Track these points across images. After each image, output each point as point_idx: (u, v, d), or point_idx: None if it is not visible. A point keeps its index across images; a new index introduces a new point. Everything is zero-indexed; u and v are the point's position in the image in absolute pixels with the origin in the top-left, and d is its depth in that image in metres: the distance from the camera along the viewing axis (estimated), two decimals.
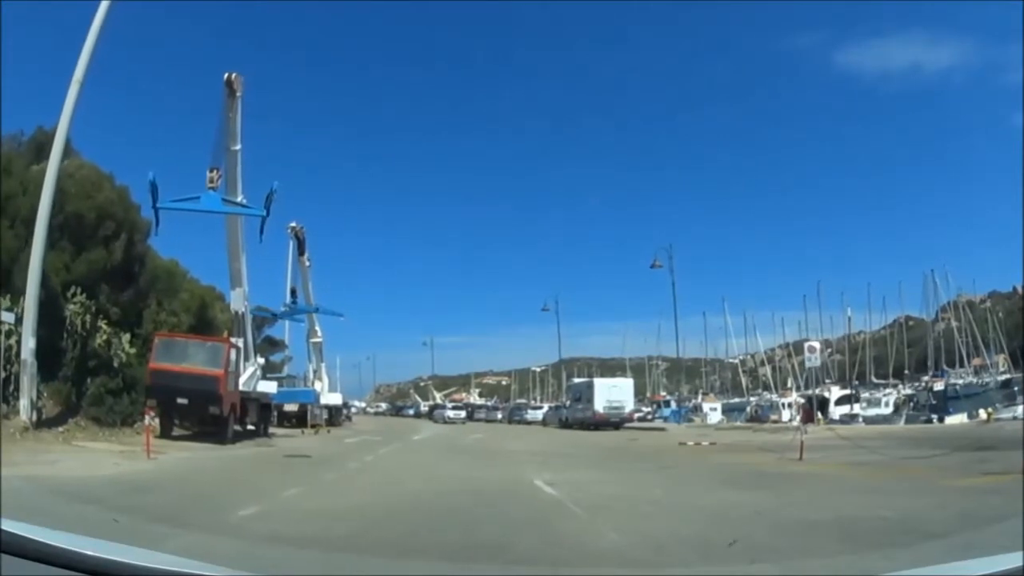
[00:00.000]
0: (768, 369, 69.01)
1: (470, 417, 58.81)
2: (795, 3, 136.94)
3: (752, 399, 57.22)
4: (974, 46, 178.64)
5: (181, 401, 18.40)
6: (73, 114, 16.80)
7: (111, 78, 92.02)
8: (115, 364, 19.37)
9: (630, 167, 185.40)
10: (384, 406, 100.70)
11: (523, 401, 79.22)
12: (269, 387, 25.30)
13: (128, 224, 21.49)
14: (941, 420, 32.09)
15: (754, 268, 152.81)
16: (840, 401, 44.36)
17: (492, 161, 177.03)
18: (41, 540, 1.84)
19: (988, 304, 61.96)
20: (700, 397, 59.79)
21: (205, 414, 19.20)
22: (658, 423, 44.16)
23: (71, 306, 18.57)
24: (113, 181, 21.86)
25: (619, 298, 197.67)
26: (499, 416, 60.28)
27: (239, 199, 19.36)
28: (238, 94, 18.72)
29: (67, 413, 16.98)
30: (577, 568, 5.52)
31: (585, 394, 41.76)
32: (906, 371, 59.20)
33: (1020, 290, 68.17)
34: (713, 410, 49.42)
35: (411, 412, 79.16)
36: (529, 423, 51.39)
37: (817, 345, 33.32)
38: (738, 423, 41.94)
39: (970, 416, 31.68)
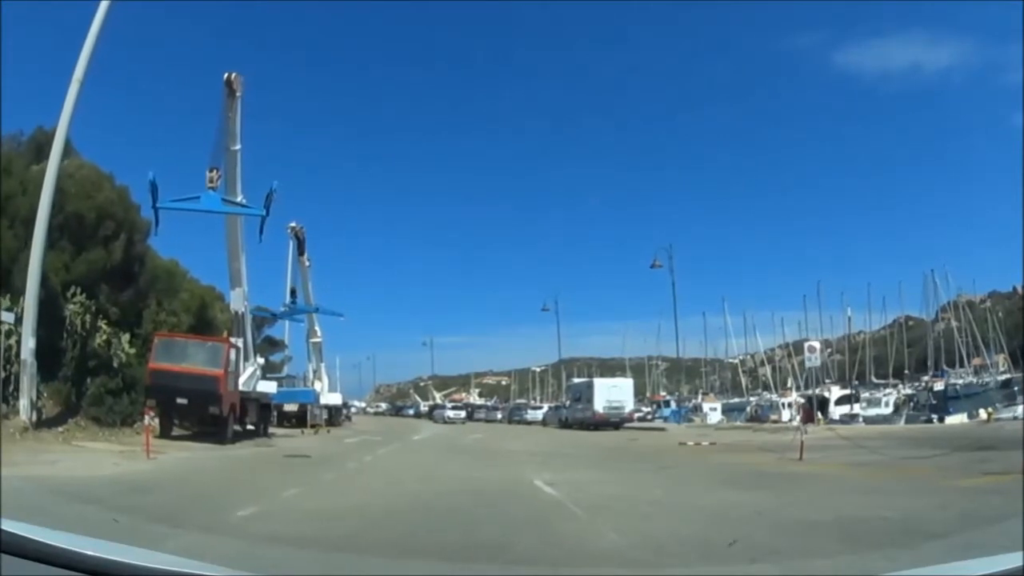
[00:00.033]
0: (768, 369, 68.97)
1: (470, 417, 58.74)
2: (795, 3, 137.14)
3: (752, 399, 57.13)
4: (974, 46, 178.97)
5: (181, 401, 18.42)
6: (73, 114, 16.81)
7: (111, 78, 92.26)
8: (115, 364, 19.39)
9: (630, 167, 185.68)
10: (384, 406, 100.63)
11: (523, 401, 79.07)
12: (269, 387, 25.32)
13: (128, 224, 21.50)
14: (941, 420, 32.07)
15: (754, 268, 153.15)
16: (840, 401, 44.33)
17: (492, 161, 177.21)
18: (41, 540, 1.84)
19: (988, 304, 61.94)
20: (700, 397, 59.71)
21: (205, 414, 19.22)
22: (658, 423, 44.11)
23: (71, 306, 18.59)
24: (113, 181, 21.91)
25: (619, 298, 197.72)
26: (499, 416, 60.22)
27: (239, 199, 19.39)
28: (238, 94, 18.75)
29: (67, 413, 16.98)
30: (577, 568, 5.52)
31: (585, 394, 41.73)
32: (906, 371, 59.16)
33: (1020, 290, 68.25)
34: (713, 410, 49.37)
35: (411, 412, 79.07)
36: (529, 423, 51.34)
37: (817, 345, 33.37)
38: (738, 423, 41.85)
39: (970, 416, 31.68)
